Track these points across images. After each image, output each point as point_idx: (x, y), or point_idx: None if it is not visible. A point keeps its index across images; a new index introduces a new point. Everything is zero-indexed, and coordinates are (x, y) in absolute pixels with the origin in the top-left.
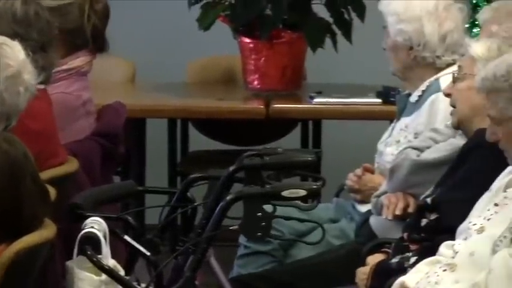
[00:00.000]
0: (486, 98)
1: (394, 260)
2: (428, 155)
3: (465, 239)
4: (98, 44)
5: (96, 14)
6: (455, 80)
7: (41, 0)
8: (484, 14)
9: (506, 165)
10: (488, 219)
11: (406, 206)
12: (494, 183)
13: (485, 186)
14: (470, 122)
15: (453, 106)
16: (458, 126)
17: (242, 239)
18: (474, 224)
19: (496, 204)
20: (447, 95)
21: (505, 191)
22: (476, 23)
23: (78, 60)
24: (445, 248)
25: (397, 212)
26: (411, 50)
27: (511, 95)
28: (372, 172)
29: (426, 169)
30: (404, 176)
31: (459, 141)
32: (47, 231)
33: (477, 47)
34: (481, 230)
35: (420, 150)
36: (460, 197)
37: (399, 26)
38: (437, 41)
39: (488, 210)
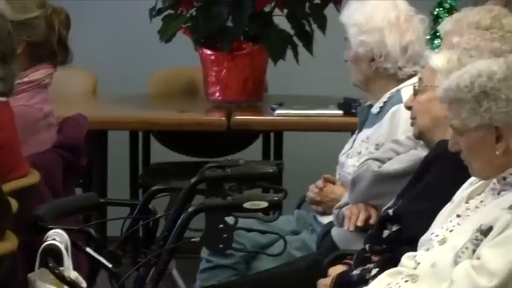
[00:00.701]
0: (448, 108)
1: (356, 272)
2: (390, 166)
3: (427, 250)
4: (62, 56)
5: (61, 26)
6: (416, 92)
7: (7, 13)
8: (445, 25)
9: (468, 176)
10: (451, 231)
11: (368, 217)
12: (456, 194)
13: (447, 197)
14: (431, 133)
15: (413, 118)
16: (419, 137)
17: (204, 253)
18: (436, 235)
19: (458, 216)
20: (408, 108)
21: (467, 202)
22: (438, 34)
23: (39, 73)
24: (407, 259)
25: (359, 224)
26: (373, 61)
27: (474, 105)
28: (333, 183)
29: (387, 180)
30: (365, 187)
31: (420, 152)
32: (8, 243)
33: (437, 59)
34: (443, 241)
35: (381, 161)
36: (422, 208)
37: (361, 37)
38: (398, 52)
39: (451, 221)
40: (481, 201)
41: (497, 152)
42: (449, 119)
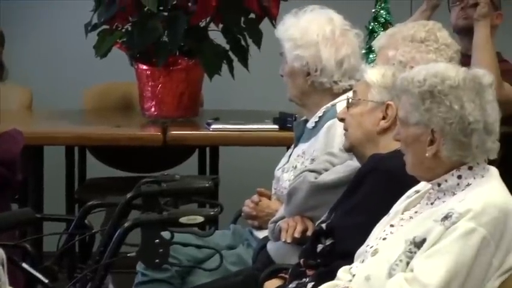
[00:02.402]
0: (398, 97)
1: (291, 286)
2: (326, 177)
3: (362, 262)
4: None
5: None
6: (349, 105)
7: None
8: (379, 40)
9: (402, 189)
10: (384, 239)
11: (305, 229)
12: (393, 207)
13: (380, 211)
14: (362, 146)
15: (346, 130)
16: (350, 149)
17: (140, 267)
18: (371, 247)
19: (391, 225)
20: (341, 119)
21: (402, 214)
22: (373, 48)
23: None
24: (342, 272)
25: (296, 235)
26: (308, 75)
27: (418, 101)
28: (268, 197)
29: (324, 191)
30: (302, 199)
31: (356, 162)
32: None
33: (372, 73)
34: (375, 252)
35: (318, 172)
36: (355, 222)
37: (296, 51)
38: (334, 66)
39: (384, 231)
40: (416, 212)
41: (426, 154)
42: (398, 108)
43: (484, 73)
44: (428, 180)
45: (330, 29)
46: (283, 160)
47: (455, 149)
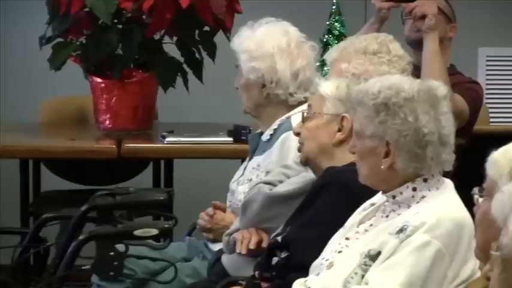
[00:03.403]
0: (354, 109)
1: None
2: (281, 188)
3: (317, 274)
4: None
5: None
6: (304, 119)
7: None
8: (332, 53)
9: (357, 202)
10: (339, 252)
11: (260, 241)
12: (349, 219)
13: (336, 224)
14: (318, 159)
15: (301, 143)
16: (306, 163)
17: (95, 279)
18: (326, 260)
19: (347, 238)
20: (297, 134)
21: (357, 227)
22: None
23: None
24: (298, 285)
25: (251, 246)
26: (264, 87)
27: (372, 114)
28: (223, 210)
29: (279, 202)
30: (257, 210)
31: (311, 173)
32: None
33: (326, 86)
34: (330, 265)
35: (272, 184)
36: (311, 235)
37: (252, 63)
38: (289, 78)
39: (339, 244)
40: (371, 225)
41: (382, 166)
42: (354, 120)
43: (439, 85)
44: (383, 190)
45: (286, 41)
46: (238, 173)
47: (410, 161)
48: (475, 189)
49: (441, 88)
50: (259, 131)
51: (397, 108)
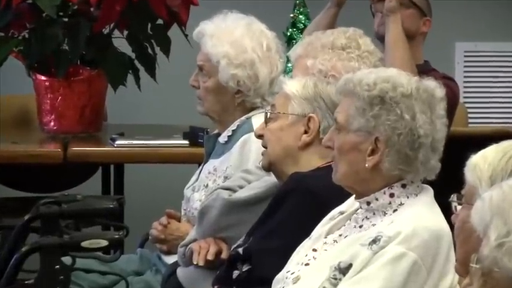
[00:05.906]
0: (341, 99)
1: None
2: (241, 194)
3: None
4: None
5: None
6: (267, 120)
7: None
8: (296, 49)
9: (324, 210)
10: (306, 264)
11: (219, 252)
12: (315, 229)
13: (301, 234)
14: (282, 164)
15: (265, 147)
16: (269, 168)
17: None
18: (292, 273)
19: (314, 250)
20: (259, 136)
21: (325, 237)
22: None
23: None
24: None
25: (210, 257)
26: (238, 93)
27: (365, 106)
28: (177, 218)
29: (239, 209)
30: (215, 217)
31: (273, 178)
32: None
33: (292, 84)
34: (296, 279)
35: (232, 190)
36: (274, 245)
37: (233, 71)
38: (268, 85)
39: (306, 255)
40: (340, 235)
41: (366, 165)
42: (336, 111)
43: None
44: (357, 194)
45: (266, 45)
46: (193, 178)
47: (398, 162)
48: (453, 197)
49: (438, 89)
50: (216, 132)
51: (393, 104)
